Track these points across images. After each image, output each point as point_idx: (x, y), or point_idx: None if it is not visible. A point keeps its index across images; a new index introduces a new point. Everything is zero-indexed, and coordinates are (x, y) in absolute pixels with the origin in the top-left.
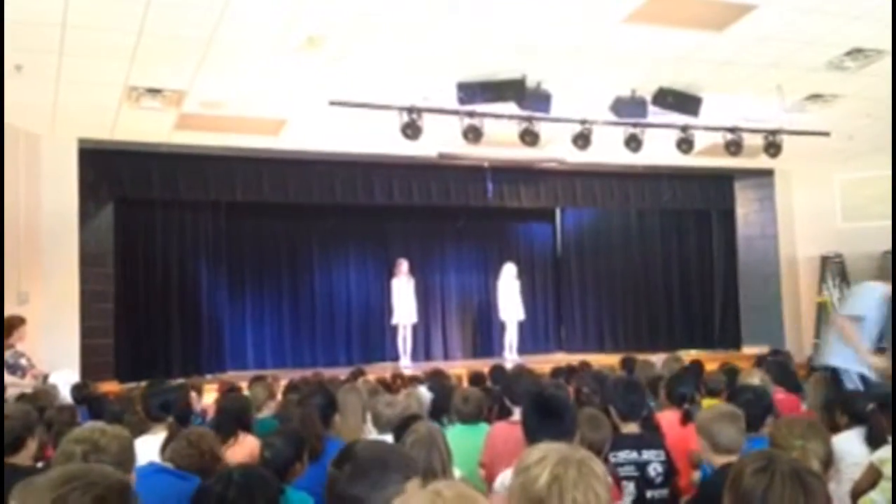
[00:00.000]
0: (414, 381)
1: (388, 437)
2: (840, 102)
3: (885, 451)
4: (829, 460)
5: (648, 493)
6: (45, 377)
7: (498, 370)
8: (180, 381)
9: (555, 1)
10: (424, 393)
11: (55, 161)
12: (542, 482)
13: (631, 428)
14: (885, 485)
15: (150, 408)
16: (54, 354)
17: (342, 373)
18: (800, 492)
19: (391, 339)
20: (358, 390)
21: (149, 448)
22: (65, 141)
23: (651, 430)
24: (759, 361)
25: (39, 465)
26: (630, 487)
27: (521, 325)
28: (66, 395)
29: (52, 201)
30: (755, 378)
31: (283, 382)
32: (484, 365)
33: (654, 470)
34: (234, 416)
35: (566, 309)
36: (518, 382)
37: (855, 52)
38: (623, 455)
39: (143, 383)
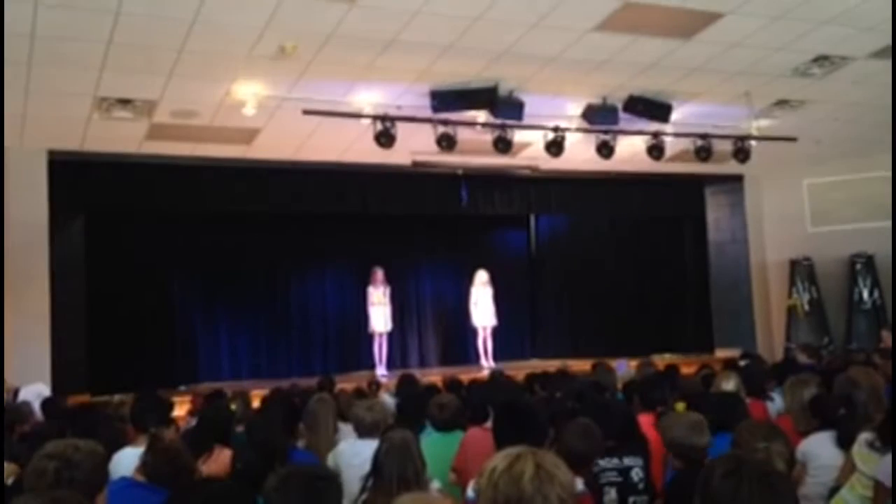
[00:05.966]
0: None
1: (372, 443)
2: (807, 108)
3: (860, 446)
4: (792, 461)
5: (631, 499)
6: (16, 391)
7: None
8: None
9: (526, 10)
10: (388, 400)
11: (24, 173)
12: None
13: None
14: (860, 479)
15: (142, 418)
16: (25, 368)
17: None
18: (768, 494)
19: (367, 348)
20: (329, 401)
21: (132, 460)
22: (34, 152)
23: (634, 438)
24: (728, 365)
25: (9, 481)
26: (612, 493)
27: (496, 332)
28: (38, 410)
29: (21, 214)
30: (730, 382)
31: (254, 393)
32: (460, 372)
33: (637, 475)
34: (213, 429)
35: (540, 315)
36: (494, 390)
37: (821, 59)
38: (604, 461)
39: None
